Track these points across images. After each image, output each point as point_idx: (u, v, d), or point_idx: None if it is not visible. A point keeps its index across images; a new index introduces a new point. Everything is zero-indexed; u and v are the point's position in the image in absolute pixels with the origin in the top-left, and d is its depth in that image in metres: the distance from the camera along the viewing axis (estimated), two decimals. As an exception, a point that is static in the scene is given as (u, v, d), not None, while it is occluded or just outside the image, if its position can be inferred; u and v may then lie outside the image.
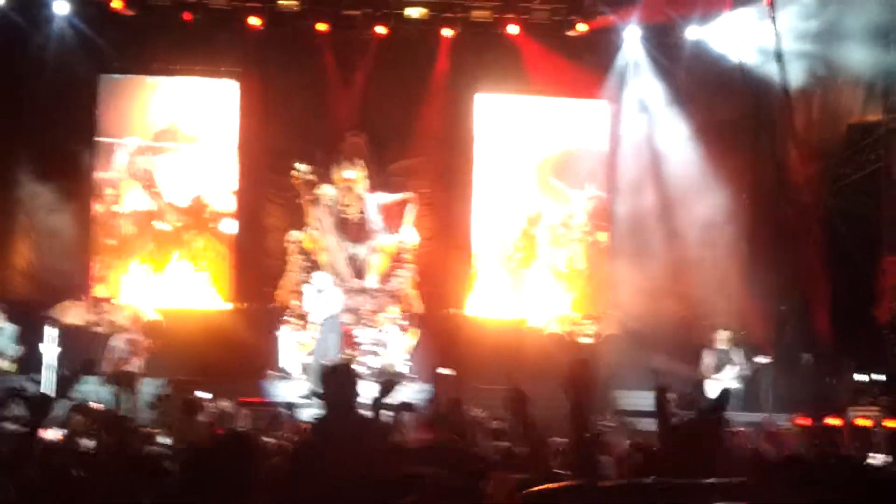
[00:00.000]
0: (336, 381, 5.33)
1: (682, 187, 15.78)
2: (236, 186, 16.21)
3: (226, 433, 7.40)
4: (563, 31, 16.06)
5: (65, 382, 13.41)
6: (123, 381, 12.88)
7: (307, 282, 14.99)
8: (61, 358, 13.39)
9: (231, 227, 16.17)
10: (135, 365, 13.29)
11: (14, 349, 13.53)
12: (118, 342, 13.83)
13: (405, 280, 15.11)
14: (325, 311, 14.31)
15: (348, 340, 14.31)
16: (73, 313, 14.61)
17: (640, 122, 16.30)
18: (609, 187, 16.49)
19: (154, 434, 8.81)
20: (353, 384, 5.30)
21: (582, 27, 15.98)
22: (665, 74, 16.08)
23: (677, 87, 15.97)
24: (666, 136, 16.08)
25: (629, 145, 16.31)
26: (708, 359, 14.20)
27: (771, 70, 14.71)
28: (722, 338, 14.18)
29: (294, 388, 13.68)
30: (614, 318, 15.40)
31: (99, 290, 15.63)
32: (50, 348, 13.35)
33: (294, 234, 15.26)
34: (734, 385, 13.99)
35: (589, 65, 16.10)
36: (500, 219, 16.58)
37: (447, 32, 16.02)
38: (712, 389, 13.87)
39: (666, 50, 16.03)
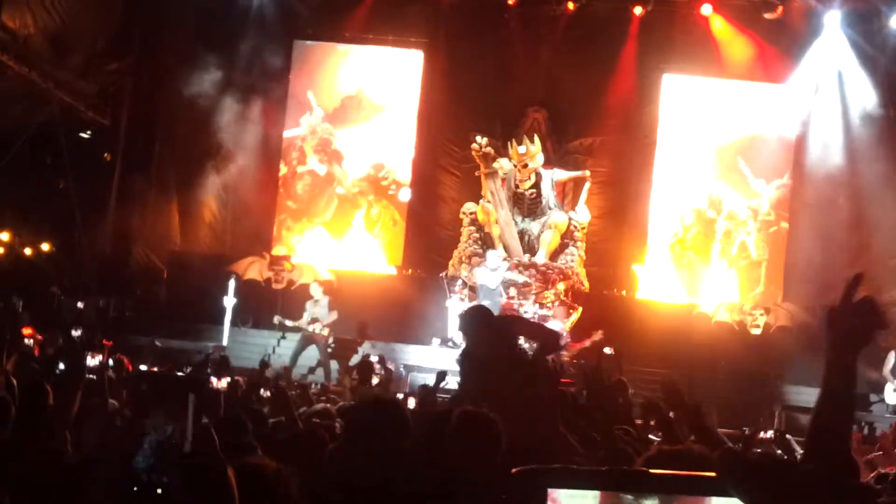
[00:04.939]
0: (472, 321, 5.40)
1: (871, 178, 15.03)
2: (414, 156, 16.47)
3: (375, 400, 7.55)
4: (759, 12, 15.50)
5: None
6: (317, 339, 13.32)
7: (478, 253, 14.94)
8: (238, 310, 13.97)
9: (406, 195, 16.45)
10: (326, 324, 13.58)
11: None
12: (311, 302, 14.07)
13: (574, 258, 14.93)
14: (491, 284, 14.16)
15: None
16: (254, 269, 15.13)
17: (831, 110, 15.58)
18: (794, 175, 15.85)
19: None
20: (490, 324, 5.31)
21: (780, 9, 15.38)
22: (864, 62, 15.31)
23: (876, 76, 15.16)
24: (859, 124, 15.33)
25: (819, 132, 15.62)
26: (893, 360, 13.39)
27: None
28: (906, 339, 13.33)
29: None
30: (787, 310, 14.79)
31: (279, 249, 16.19)
32: (231, 301, 13.96)
33: (468, 206, 15.27)
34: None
35: (782, 49, 15.58)
36: (677, 202, 16.20)
37: (638, 10, 15.72)
38: (891, 395, 13.17)
39: (867, 36, 15.25)
